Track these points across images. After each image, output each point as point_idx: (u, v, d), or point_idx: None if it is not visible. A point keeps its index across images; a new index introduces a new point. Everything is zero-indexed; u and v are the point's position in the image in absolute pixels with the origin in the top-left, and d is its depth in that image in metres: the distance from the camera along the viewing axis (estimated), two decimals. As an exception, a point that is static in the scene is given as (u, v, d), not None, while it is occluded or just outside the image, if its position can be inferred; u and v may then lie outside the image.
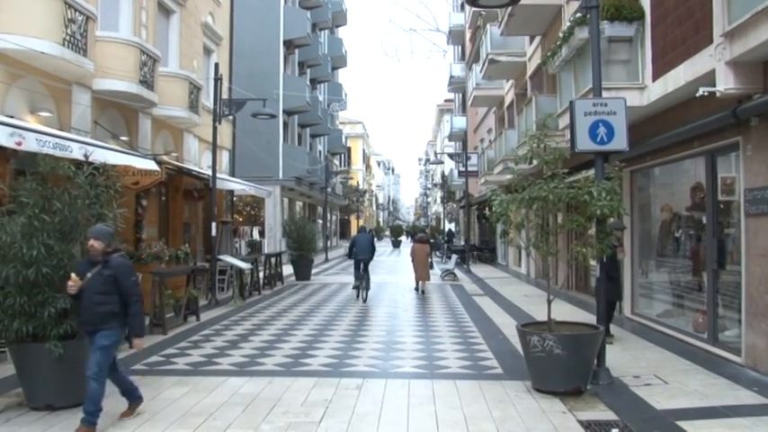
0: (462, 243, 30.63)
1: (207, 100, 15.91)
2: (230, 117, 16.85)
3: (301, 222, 20.21)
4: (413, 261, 15.95)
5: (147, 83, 11.60)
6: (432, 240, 30.68)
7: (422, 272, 15.60)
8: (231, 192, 18.65)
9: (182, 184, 14.51)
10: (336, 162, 46.99)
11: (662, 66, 8.34)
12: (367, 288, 13.86)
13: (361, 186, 56.42)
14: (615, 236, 8.05)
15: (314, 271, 20.46)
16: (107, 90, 11.02)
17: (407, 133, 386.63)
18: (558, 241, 13.64)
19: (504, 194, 6.69)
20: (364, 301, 13.58)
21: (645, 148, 9.20)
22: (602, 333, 6.29)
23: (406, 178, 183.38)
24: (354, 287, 14.26)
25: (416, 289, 15.67)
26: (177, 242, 13.87)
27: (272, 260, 17.30)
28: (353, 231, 39.25)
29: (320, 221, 38.10)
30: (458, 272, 20.26)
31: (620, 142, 6.56)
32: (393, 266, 26.10)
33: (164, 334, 9.27)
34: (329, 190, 33.49)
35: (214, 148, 13.70)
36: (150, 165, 9.83)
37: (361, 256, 14.21)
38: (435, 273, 21.41)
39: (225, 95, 15.52)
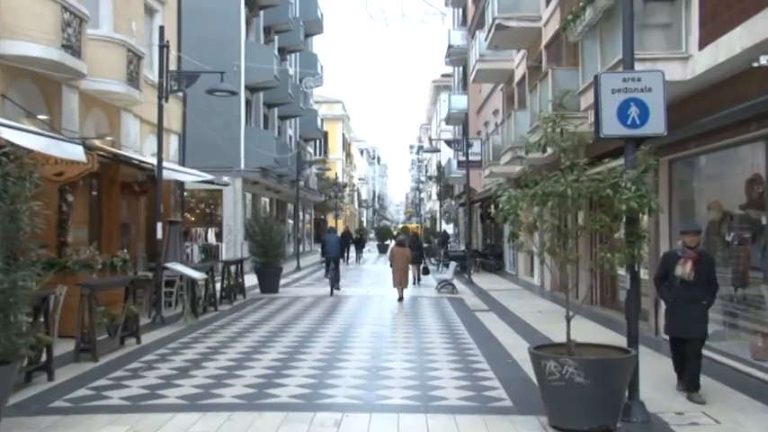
0: (462, 248, 30.67)
1: (150, 72, 15.72)
2: (180, 93, 16.68)
3: (268, 223, 20.12)
4: (391, 265, 17.83)
5: (72, 48, 11.40)
6: (426, 245, 30.83)
7: (401, 277, 17.44)
8: (181, 185, 18.51)
9: (118, 175, 14.35)
10: (310, 150, 46.83)
11: (712, 30, 8.31)
12: (336, 282, 18.79)
13: (340, 179, 56.36)
14: (683, 242, 7.37)
15: (283, 282, 20.46)
16: (18, 55, 10.77)
17: (396, 115, 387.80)
18: (579, 246, 13.63)
19: (512, 189, 6.66)
20: (331, 294, 18.02)
21: (688, 132, 9.17)
22: (634, 358, 6.25)
23: (394, 169, 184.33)
24: (326, 276, 19.52)
25: (400, 299, 17.05)
26: (113, 247, 13.73)
27: (232, 269, 17.27)
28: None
29: (291, 222, 37.96)
30: (457, 282, 20.26)
31: (656, 125, 6.52)
32: (379, 276, 26.07)
33: (94, 361, 9.12)
34: (301, 183, 33.37)
35: (160, 131, 13.57)
36: (77, 151, 9.65)
37: (330, 254, 19.41)
38: (431, 283, 21.45)
39: (173, 66, 15.35)
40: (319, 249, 31.93)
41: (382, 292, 19.10)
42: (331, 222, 48.42)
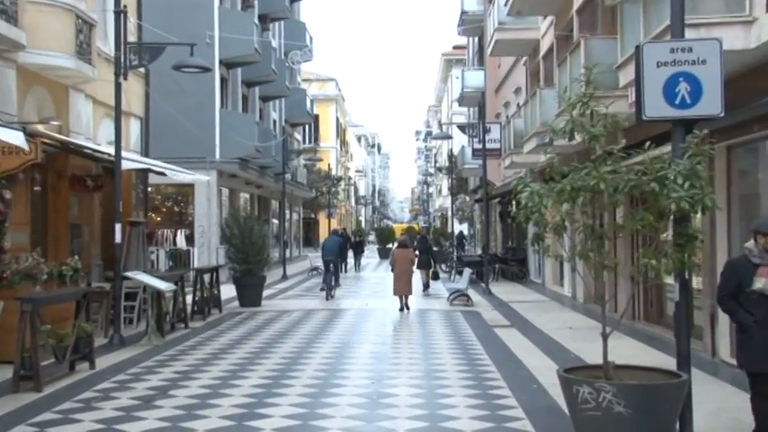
0: (479, 252, 30.68)
1: (105, 44, 15.68)
2: (141, 69, 16.66)
3: (248, 223, 20.16)
4: (392, 270, 18.39)
5: (7, 13, 11.35)
6: (436, 248, 30.90)
7: (403, 284, 17.97)
8: (144, 179, 18.47)
9: (68, 167, 14.39)
10: (298, 137, 46.83)
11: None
12: (334, 287, 22.04)
13: (333, 171, 56.44)
14: (762, 245, 6.42)
15: (266, 293, 20.62)
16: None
17: (400, 95, 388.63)
18: (617, 249, 13.60)
19: (536, 183, 6.63)
20: (332, 297, 20.81)
21: (751, 112, 9.12)
22: (685, 383, 6.22)
23: (397, 160, 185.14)
24: (321, 289, 21.98)
25: (401, 309, 17.74)
26: (61, 253, 13.75)
27: (206, 278, 17.35)
28: (323, 236, 39.75)
29: (275, 222, 37.94)
30: (472, 293, 20.33)
31: (711, 105, 6.45)
32: (380, 286, 26.14)
33: (37, 391, 9.08)
34: (288, 176, 33.39)
35: (117, 114, 13.57)
36: (16, 138, 9.60)
37: (328, 257, 22.00)
38: (442, 293, 21.50)
39: (132, 37, 15.32)
40: (309, 255, 32.23)
41: (384, 305, 19.16)
42: (323, 222, 48.50)
